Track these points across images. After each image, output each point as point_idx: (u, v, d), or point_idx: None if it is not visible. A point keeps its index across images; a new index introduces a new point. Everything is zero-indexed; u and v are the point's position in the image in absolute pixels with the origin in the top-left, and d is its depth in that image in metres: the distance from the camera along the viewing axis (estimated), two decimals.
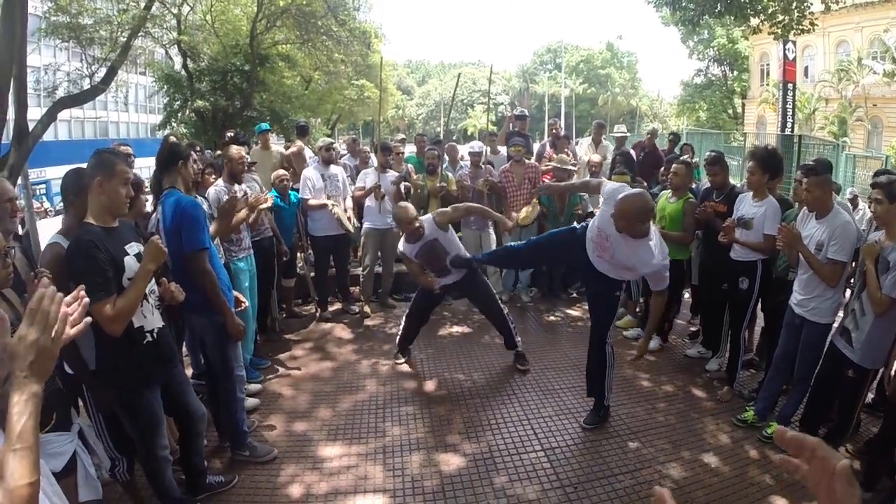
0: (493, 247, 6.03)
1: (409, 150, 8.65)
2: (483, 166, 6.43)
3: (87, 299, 1.17)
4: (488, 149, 6.80)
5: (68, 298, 1.11)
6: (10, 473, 0.92)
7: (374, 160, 6.64)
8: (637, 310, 5.98)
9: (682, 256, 5.08)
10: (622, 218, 3.26)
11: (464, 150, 7.55)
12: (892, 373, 3.08)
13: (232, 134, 6.60)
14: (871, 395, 3.94)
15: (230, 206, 3.92)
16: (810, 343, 3.57)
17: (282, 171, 5.55)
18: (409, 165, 6.81)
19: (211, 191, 4.26)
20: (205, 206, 3.59)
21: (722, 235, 4.17)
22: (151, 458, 2.72)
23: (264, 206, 4.52)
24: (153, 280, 2.65)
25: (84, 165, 2.56)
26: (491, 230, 6.39)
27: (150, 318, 2.62)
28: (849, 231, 3.38)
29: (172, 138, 5.55)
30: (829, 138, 21.81)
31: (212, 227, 3.58)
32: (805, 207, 3.70)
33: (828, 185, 3.51)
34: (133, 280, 2.43)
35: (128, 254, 2.48)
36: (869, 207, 3.76)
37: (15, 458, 0.93)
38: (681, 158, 5.68)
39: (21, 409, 0.98)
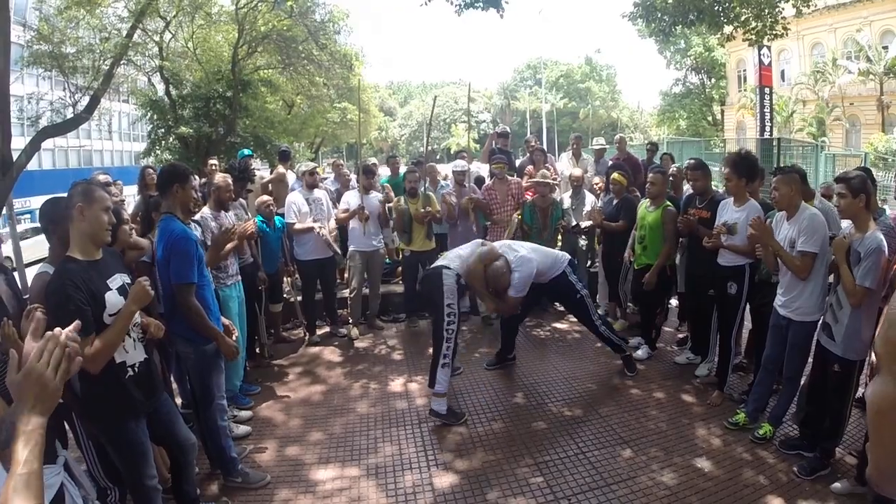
0: None
1: (384, 172, 8.67)
2: (467, 185, 6.47)
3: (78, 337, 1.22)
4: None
5: (68, 333, 1.16)
6: (16, 496, 0.98)
7: (355, 182, 6.64)
8: (625, 310, 6.07)
9: (667, 263, 5.12)
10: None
11: (446, 168, 7.59)
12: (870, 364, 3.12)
13: (215, 162, 6.61)
14: (862, 391, 3.97)
15: (224, 238, 3.93)
16: (797, 343, 3.62)
17: (266, 197, 5.57)
18: (385, 185, 6.83)
19: (196, 218, 4.26)
20: (197, 232, 3.56)
21: (706, 241, 4.24)
22: (140, 488, 2.68)
23: (250, 230, 4.52)
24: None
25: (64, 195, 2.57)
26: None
27: (133, 353, 2.59)
28: (816, 222, 3.47)
29: (150, 169, 5.57)
30: (809, 139, 22.19)
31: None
32: (779, 212, 3.78)
33: (794, 182, 3.60)
34: (115, 320, 2.40)
35: (110, 288, 2.45)
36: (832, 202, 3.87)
37: (20, 480, 1.00)
38: (657, 168, 5.74)
39: (27, 438, 1.05)
